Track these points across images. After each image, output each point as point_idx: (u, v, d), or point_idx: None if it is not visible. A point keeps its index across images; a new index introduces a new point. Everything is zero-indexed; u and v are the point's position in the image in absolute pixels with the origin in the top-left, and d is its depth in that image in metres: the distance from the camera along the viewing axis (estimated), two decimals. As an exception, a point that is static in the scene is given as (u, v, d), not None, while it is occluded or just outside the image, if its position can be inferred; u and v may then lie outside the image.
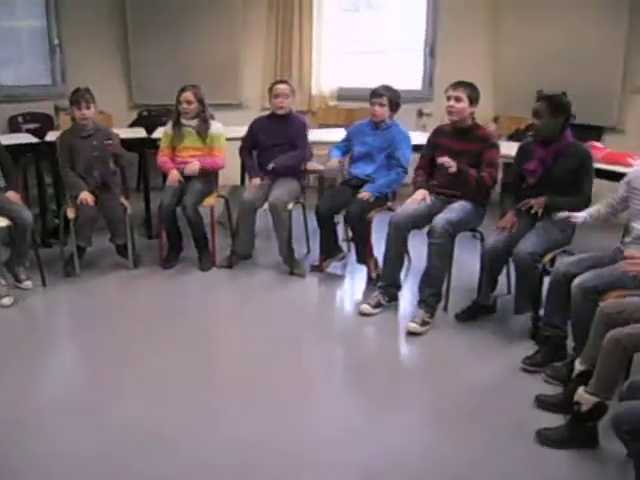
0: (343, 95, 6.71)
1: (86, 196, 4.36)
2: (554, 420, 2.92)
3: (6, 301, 4.09)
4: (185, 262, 4.77)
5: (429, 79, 6.50)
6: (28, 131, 5.65)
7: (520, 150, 3.91)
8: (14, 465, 2.67)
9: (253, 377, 3.36)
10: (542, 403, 3.05)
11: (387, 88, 4.40)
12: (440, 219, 3.80)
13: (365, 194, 4.27)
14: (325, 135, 5.21)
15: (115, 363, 3.49)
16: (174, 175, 4.58)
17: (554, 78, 5.43)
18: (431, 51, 6.43)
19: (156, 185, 5.40)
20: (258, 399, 3.15)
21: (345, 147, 4.63)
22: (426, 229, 3.92)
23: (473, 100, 3.94)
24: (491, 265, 3.80)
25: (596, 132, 5.50)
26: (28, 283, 4.35)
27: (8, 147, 4.59)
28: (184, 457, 2.72)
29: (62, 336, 3.97)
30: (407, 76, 6.62)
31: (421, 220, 3.99)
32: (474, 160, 3.92)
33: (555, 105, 3.56)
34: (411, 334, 3.76)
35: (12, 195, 4.27)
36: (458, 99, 3.92)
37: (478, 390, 3.24)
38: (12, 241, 4.33)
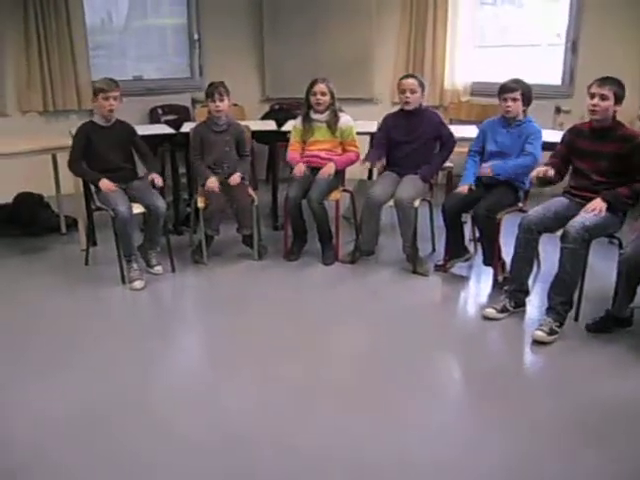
0: (476, 90, 6.50)
1: (213, 183, 4.48)
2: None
3: (138, 284, 4.28)
4: (308, 255, 4.79)
5: (570, 74, 6.16)
6: (166, 122, 5.88)
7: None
8: (133, 443, 2.77)
9: (370, 376, 3.31)
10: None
11: (518, 81, 4.20)
12: (575, 223, 3.57)
13: (487, 168, 4.11)
14: (457, 131, 5.04)
15: (232, 349, 3.56)
16: (300, 167, 4.60)
17: None
18: (573, 45, 6.08)
19: (284, 177, 5.48)
20: (371, 400, 3.10)
21: (479, 153, 4.44)
22: (559, 232, 3.71)
23: (619, 98, 3.66)
24: (629, 274, 3.52)
25: None
26: (159, 268, 4.52)
27: (147, 137, 4.79)
28: (302, 455, 2.71)
29: (187, 322, 4.10)
30: (545, 71, 6.31)
31: (554, 223, 3.77)
32: (616, 162, 3.66)
33: None
34: (537, 343, 3.57)
35: (156, 177, 4.43)
36: (604, 97, 3.64)
37: (607, 410, 3.00)
38: (146, 227, 4.53)
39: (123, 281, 4.35)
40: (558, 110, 6.09)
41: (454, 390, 3.30)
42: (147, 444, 2.76)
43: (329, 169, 4.55)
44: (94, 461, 2.65)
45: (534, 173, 3.85)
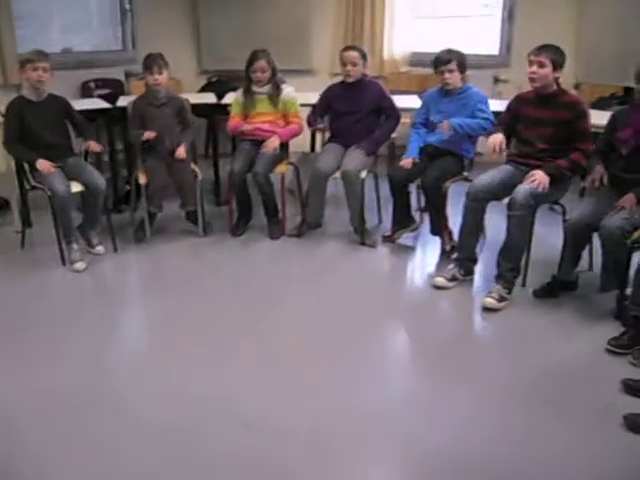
0: (416, 60, 6.51)
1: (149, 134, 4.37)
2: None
3: (79, 266, 4.13)
4: (254, 230, 4.72)
5: (507, 44, 6.23)
6: (100, 96, 5.67)
7: (613, 118, 3.66)
8: (83, 427, 2.68)
9: (322, 347, 3.29)
10: (629, 388, 2.87)
11: (451, 51, 4.18)
12: (521, 190, 3.61)
13: (445, 124, 4.09)
14: (398, 102, 5.02)
15: (182, 329, 3.47)
16: (247, 128, 4.53)
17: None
18: (510, 14, 6.15)
19: (225, 152, 5.38)
20: (324, 372, 3.08)
21: (423, 124, 4.42)
22: (505, 200, 3.76)
23: (558, 65, 3.69)
24: (575, 240, 3.60)
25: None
26: (100, 248, 4.38)
27: (82, 113, 4.59)
28: (254, 427, 2.67)
29: (132, 302, 3.98)
30: (482, 41, 6.36)
31: (500, 191, 3.81)
32: (560, 129, 3.70)
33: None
34: (487, 310, 3.61)
35: (93, 144, 4.30)
36: (541, 64, 3.67)
37: (558, 372, 3.08)
38: (85, 206, 4.36)
39: (63, 263, 4.18)
40: (496, 80, 6.16)
41: (407, 359, 3.33)
42: (102, 429, 2.67)
43: (274, 142, 4.47)
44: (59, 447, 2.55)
45: (491, 146, 3.84)
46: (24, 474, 2.42)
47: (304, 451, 2.54)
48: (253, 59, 4.51)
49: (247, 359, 3.19)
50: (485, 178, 3.85)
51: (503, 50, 6.26)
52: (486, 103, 4.20)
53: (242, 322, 3.55)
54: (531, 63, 3.71)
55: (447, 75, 4.16)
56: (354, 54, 4.46)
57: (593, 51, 5.74)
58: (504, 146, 3.85)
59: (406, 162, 4.26)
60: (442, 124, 4.10)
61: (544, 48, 3.71)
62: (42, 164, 4.06)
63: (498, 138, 3.83)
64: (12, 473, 2.42)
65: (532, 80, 3.73)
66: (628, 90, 5.39)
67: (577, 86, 5.88)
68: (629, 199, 3.36)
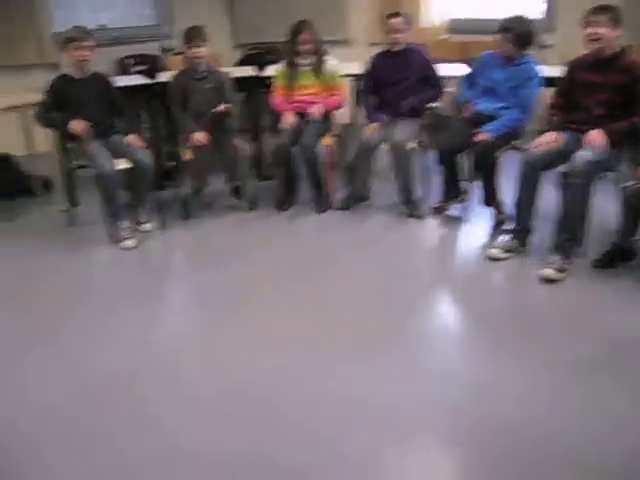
0: (455, 27, 6.35)
1: (199, 137, 4.30)
2: None
3: (129, 243, 4.12)
4: (300, 204, 4.67)
5: (552, 7, 6.03)
6: (138, 72, 5.62)
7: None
8: (143, 406, 2.67)
9: (375, 321, 3.24)
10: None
11: (515, 21, 4.00)
12: (580, 158, 3.50)
13: (482, 135, 4.00)
14: (440, 71, 4.89)
15: (231, 305, 3.45)
16: (289, 118, 4.44)
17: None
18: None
19: (265, 125, 5.31)
20: (379, 345, 3.03)
21: (473, 84, 4.32)
22: (560, 169, 3.65)
23: (616, 23, 3.54)
24: (632, 208, 3.49)
25: None
26: (148, 225, 4.36)
27: (121, 89, 4.56)
28: (311, 403, 2.64)
29: (182, 278, 3.98)
30: (526, 4, 6.17)
31: (556, 159, 3.69)
32: (618, 94, 3.57)
33: None
34: (546, 281, 3.53)
35: (133, 139, 4.24)
36: (599, 24, 3.53)
37: (620, 343, 2.98)
38: (132, 184, 4.33)
39: (112, 241, 4.17)
40: (540, 45, 5.97)
41: (465, 332, 3.23)
42: (160, 404, 2.66)
43: (317, 109, 4.41)
44: (115, 422, 2.55)
45: (543, 143, 3.72)
46: (97, 450, 2.42)
47: (373, 424, 2.50)
48: (298, 30, 4.41)
49: (301, 334, 3.15)
50: (541, 147, 3.73)
51: (550, 14, 6.06)
52: (536, 82, 4.06)
53: (292, 296, 3.52)
54: (588, 24, 3.57)
55: (501, 44, 4.03)
56: (399, 20, 4.35)
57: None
58: (558, 140, 3.72)
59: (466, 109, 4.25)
60: (481, 136, 4.00)
61: (601, 8, 3.56)
62: (76, 124, 4.02)
63: (550, 137, 3.72)
64: (86, 449, 2.42)
65: (590, 42, 3.59)
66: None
67: (629, 47, 5.66)
68: None
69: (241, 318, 3.32)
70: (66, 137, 4.23)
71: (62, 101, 4.12)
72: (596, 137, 3.51)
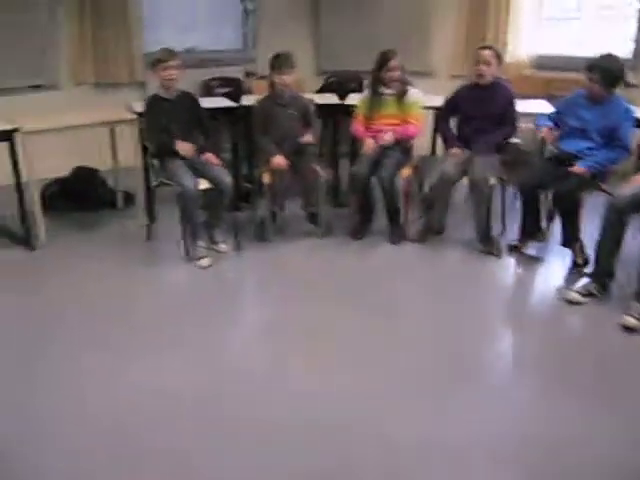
0: (540, 63, 6.27)
1: (279, 160, 4.34)
2: None
3: (204, 262, 4.18)
4: (375, 234, 4.65)
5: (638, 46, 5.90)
6: (221, 95, 5.74)
7: None
8: (207, 424, 2.68)
9: (445, 359, 3.18)
10: None
11: (603, 60, 3.91)
12: (671, 204, 3.39)
13: (579, 168, 3.92)
14: (523, 106, 4.83)
15: (299, 334, 3.44)
16: (370, 143, 4.45)
17: None
18: (644, 15, 5.82)
19: (342, 152, 5.34)
20: (445, 385, 2.98)
21: (555, 120, 4.26)
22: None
23: None
24: None
25: None
26: (223, 246, 4.42)
27: (206, 110, 4.65)
28: (395, 445, 2.61)
29: (253, 302, 4.02)
30: (613, 43, 6.05)
31: (644, 204, 3.59)
32: None
33: None
34: (626, 329, 3.41)
35: (210, 157, 4.32)
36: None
37: None
38: (210, 204, 4.41)
39: (188, 259, 4.24)
40: (627, 84, 5.84)
41: (539, 376, 3.11)
42: (225, 427, 2.67)
43: (387, 136, 4.42)
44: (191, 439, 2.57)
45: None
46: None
47: (451, 462, 2.45)
48: (387, 58, 4.43)
49: (371, 366, 3.13)
50: (628, 190, 3.63)
51: (637, 52, 5.92)
52: (630, 120, 3.98)
53: (362, 328, 3.49)
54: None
55: (588, 83, 3.95)
56: (490, 53, 4.33)
57: None
58: None
59: (545, 131, 4.20)
60: (577, 168, 3.93)
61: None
62: (182, 146, 4.14)
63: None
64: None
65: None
66: None
67: None
68: None
69: (310, 346, 3.32)
70: (158, 155, 4.33)
71: (156, 119, 4.25)
72: None
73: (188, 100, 4.39)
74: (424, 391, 2.94)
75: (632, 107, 4.08)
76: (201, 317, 3.62)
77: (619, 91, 4.14)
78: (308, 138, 4.45)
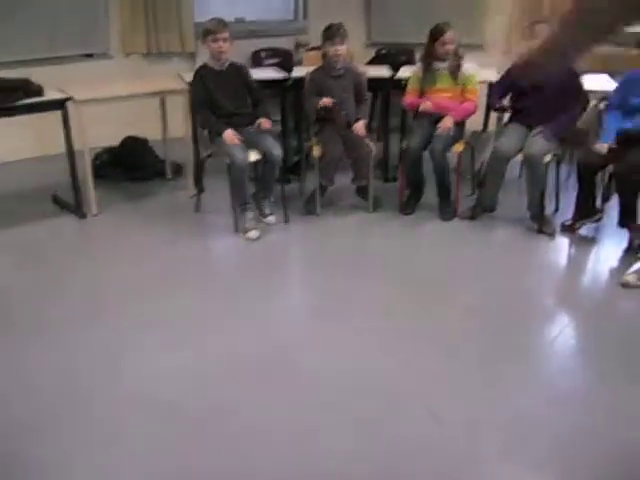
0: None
1: (327, 100, 4.29)
2: None
3: (253, 234, 4.17)
4: (425, 210, 4.59)
5: None
6: (271, 66, 5.70)
7: None
8: (266, 394, 2.69)
9: (495, 341, 3.12)
10: None
11: None
12: None
13: None
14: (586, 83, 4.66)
15: (349, 308, 3.41)
16: (428, 105, 4.35)
17: None
18: None
19: (393, 126, 5.26)
20: (500, 365, 2.92)
21: (619, 106, 4.07)
22: None
23: None
24: None
25: None
26: (272, 218, 4.41)
27: (257, 82, 4.62)
28: (441, 417, 2.58)
29: (301, 275, 4.00)
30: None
31: None
32: None
33: None
34: (685, 315, 3.31)
35: (265, 122, 4.28)
36: None
37: None
38: (260, 175, 4.40)
39: (237, 230, 4.25)
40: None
41: (590, 358, 3.04)
42: (284, 397, 2.67)
43: (448, 122, 4.31)
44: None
45: None
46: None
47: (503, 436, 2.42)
48: (441, 32, 4.32)
49: (419, 344, 3.09)
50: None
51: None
52: None
53: (412, 305, 3.44)
54: None
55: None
56: (545, 27, 4.18)
57: None
58: None
59: (601, 147, 3.97)
60: None
61: None
62: (228, 135, 4.11)
63: None
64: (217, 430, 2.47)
65: None
66: None
67: None
68: None
69: (359, 322, 3.29)
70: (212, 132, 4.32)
71: (205, 91, 4.23)
72: None
73: (238, 71, 4.36)
74: (473, 368, 2.89)
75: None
76: (250, 289, 3.61)
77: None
78: (361, 129, 4.38)
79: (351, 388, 2.75)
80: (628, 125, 3.99)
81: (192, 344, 3.06)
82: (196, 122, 4.45)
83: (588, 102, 4.28)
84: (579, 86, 4.25)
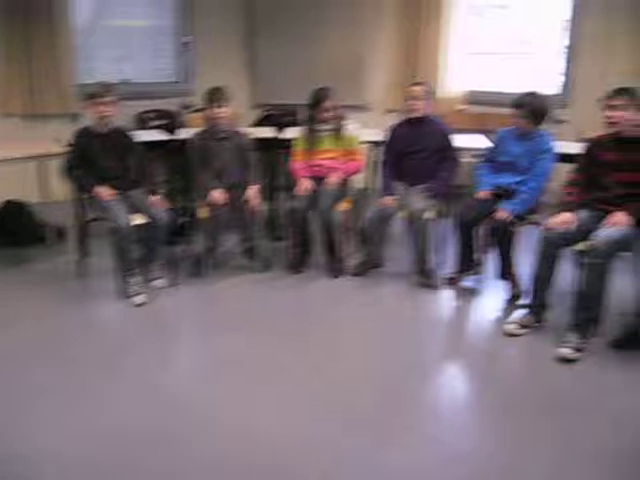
0: (473, 99, 6.42)
1: (217, 195, 4.29)
2: None
3: (139, 299, 4.07)
4: (314, 268, 4.63)
5: (568, 84, 6.11)
6: (156, 128, 5.67)
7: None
8: (144, 465, 2.57)
9: (384, 395, 3.17)
10: None
11: (529, 97, 4.05)
12: (600, 237, 3.47)
13: (502, 213, 3.99)
14: (461, 141, 4.89)
15: (237, 369, 3.39)
16: (305, 184, 4.44)
17: None
18: (572, 52, 6.04)
19: (280, 185, 5.33)
20: (389, 419, 2.96)
21: (492, 161, 4.32)
22: (579, 247, 3.64)
23: (637, 107, 3.59)
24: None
25: None
26: (159, 282, 4.32)
27: (140, 143, 4.56)
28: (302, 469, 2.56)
29: (189, 338, 3.92)
30: (542, 80, 6.25)
31: (576, 237, 3.68)
32: (638, 173, 3.58)
33: None
34: (563, 360, 3.47)
35: (157, 200, 4.25)
36: (620, 108, 3.57)
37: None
38: (146, 239, 4.31)
39: (122, 296, 4.12)
40: (556, 120, 6.03)
41: (478, 409, 3.14)
42: (162, 466, 2.57)
43: (335, 179, 4.41)
44: None
45: (559, 223, 3.71)
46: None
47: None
48: (320, 98, 4.45)
49: (309, 403, 3.08)
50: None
51: (566, 89, 6.13)
52: (551, 155, 4.08)
53: (301, 364, 3.45)
54: (609, 107, 3.60)
55: (516, 120, 4.07)
56: (420, 88, 4.41)
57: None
58: (573, 223, 3.72)
59: (483, 194, 4.21)
60: (500, 214, 4.00)
61: (622, 91, 3.60)
62: (100, 191, 4.03)
63: (566, 218, 3.71)
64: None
65: (611, 125, 3.62)
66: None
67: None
68: None
69: (248, 382, 3.25)
70: (84, 191, 4.22)
71: (84, 154, 4.14)
72: (621, 219, 3.50)
73: (121, 135, 4.31)
74: (362, 426, 2.90)
75: (556, 142, 4.19)
76: (136, 355, 3.51)
77: (548, 127, 4.29)
78: (254, 199, 4.42)
79: (242, 452, 2.68)
80: (499, 181, 4.21)
81: (76, 417, 2.92)
82: (69, 182, 4.31)
83: (456, 163, 4.48)
84: (451, 146, 4.47)
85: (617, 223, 3.50)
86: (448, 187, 4.44)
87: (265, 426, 2.90)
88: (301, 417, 2.97)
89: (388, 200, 4.39)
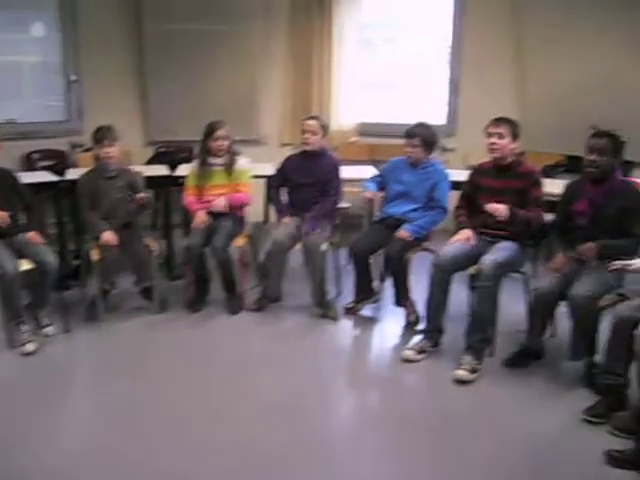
0: (364, 130, 6.59)
1: (109, 236, 4.19)
2: (629, 478, 2.72)
3: (29, 347, 3.89)
4: (212, 305, 4.57)
5: (453, 114, 6.38)
6: (44, 168, 5.49)
7: (568, 189, 3.77)
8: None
9: (286, 429, 3.16)
10: (614, 460, 2.84)
11: (420, 127, 4.24)
12: (488, 260, 3.63)
13: (404, 233, 4.11)
14: (350, 172, 5.01)
15: (138, 414, 3.29)
16: (201, 218, 4.41)
17: (582, 112, 5.35)
18: (455, 85, 6.32)
19: (175, 224, 5.26)
20: (292, 456, 2.95)
21: (380, 182, 4.46)
22: (469, 271, 3.79)
23: (515, 136, 3.82)
24: (543, 309, 3.62)
25: (628, 167, 5.35)
26: (50, 329, 4.14)
27: (28, 185, 4.40)
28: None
29: (86, 385, 3.77)
30: (429, 110, 6.50)
31: (465, 262, 3.82)
32: (517, 198, 3.77)
33: (617, 143, 3.43)
34: (459, 382, 3.56)
35: (34, 236, 4.09)
36: (500, 136, 3.78)
37: (538, 445, 3.03)
38: (34, 285, 4.13)
39: (11, 345, 3.93)
40: (443, 149, 6.27)
41: (379, 436, 3.18)
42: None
43: (219, 202, 4.42)
44: None
45: (456, 241, 3.88)
46: None
47: None
48: (214, 128, 4.45)
49: (209, 444, 3.03)
50: (450, 249, 3.85)
51: (451, 120, 6.39)
52: (446, 182, 4.25)
53: (203, 404, 3.39)
54: (490, 135, 3.80)
55: (409, 149, 4.21)
56: (314, 123, 4.48)
57: (535, 121, 5.88)
58: (472, 238, 3.88)
59: (372, 193, 4.38)
60: (402, 233, 4.13)
61: (501, 120, 3.82)
62: None
63: (465, 234, 3.88)
64: None
65: (492, 151, 3.81)
66: (571, 158, 5.57)
67: (521, 154, 6.01)
68: (589, 248, 3.42)
69: (148, 428, 3.16)
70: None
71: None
72: (499, 207, 3.70)
73: (5, 177, 4.14)
74: (260, 467, 2.87)
75: (448, 170, 4.37)
76: (27, 408, 3.34)
77: (437, 155, 4.47)
78: (141, 195, 4.36)
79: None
80: (391, 210, 4.32)
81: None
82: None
83: (337, 195, 4.55)
84: (337, 183, 4.54)
85: (495, 210, 3.69)
86: (325, 219, 4.47)
87: (160, 471, 2.83)
88: (199, 460, 2.91)
89: (284, 221, 4.43)
